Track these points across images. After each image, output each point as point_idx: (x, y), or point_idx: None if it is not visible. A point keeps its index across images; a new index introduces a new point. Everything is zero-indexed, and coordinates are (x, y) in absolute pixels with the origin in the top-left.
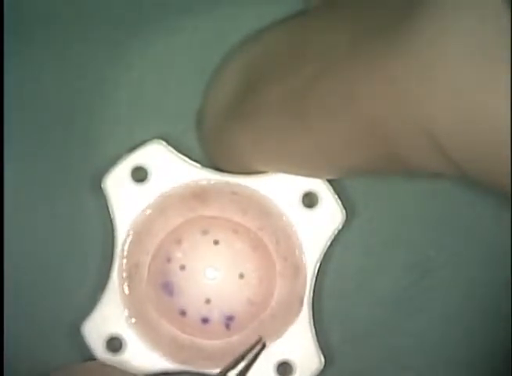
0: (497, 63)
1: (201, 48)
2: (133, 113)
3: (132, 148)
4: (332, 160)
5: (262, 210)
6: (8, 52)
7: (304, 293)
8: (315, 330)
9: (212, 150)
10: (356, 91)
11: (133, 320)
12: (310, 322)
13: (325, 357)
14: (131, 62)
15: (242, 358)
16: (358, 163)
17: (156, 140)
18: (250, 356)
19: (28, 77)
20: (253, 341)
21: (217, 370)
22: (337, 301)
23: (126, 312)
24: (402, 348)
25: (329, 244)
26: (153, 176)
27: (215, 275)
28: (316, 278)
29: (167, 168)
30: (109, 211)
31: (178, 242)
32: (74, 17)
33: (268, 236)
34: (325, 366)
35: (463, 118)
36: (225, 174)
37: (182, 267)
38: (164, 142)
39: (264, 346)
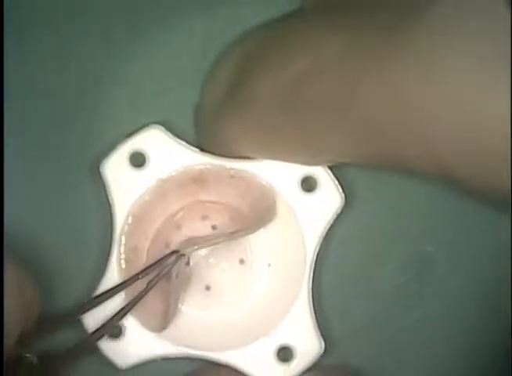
0: (498, 68)
1: (200, 46)
2: (132, 106)
3: (131, 134)
4: (327, 154)
5: (261, 194)
6: (8, 50)
7: (303, 277)
8: (315, 315)
9: (209, 142)
10: (355, 90)
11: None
12: (310, 307)
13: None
14: (130, 56)
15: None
16: (355, 158)
17: (154, 125)
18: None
19: (28, 64)
20: (252, 322)
21: (215, 353)
22: (336, 296)
23: (125, 297)
24: (400, 342)
25: (328, 227)
26: (151, 161)
27: (215, 261)
28: (315, 263)
29: (166, 152)
30: (107, 197)
31: (178, 227)
32: (74, 15)
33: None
34: (325, 350)
35: (461, 122)
36: (224, 158)
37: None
38: (162, 127)
39: (181, 255)
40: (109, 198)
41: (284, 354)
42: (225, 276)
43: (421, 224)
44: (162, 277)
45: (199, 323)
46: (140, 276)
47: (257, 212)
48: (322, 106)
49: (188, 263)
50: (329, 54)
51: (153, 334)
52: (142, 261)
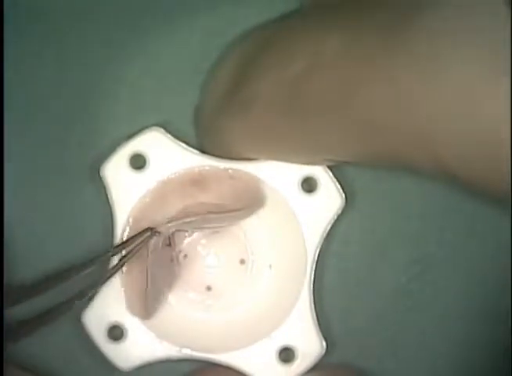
0: (498, 69)
1: (200, 46)
2: (132, 106)
3: (131, 135)
4: (327, 153)
5: (261, 195)
6: (7, 50)
7: (304, 277)
8: (317, 316)
9: (209, 142)
10: (355, 90)
11: None
12: (311, 307)
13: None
14: (130, 56)
15: (128, 242)
16: (355, 157)
17: (154, 127)
18: (138, 241)
19: (28, 64)
20: (253, 323)
21: (217, 354)
22: (337, 296)
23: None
24: (401, 342)
25: (329, 228)
26: (151, 163)
27: (216, 262)
28: (316, 263)
29: (166, 154)
30: (108, 199)
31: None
32: (74, 15)
33: (266, 221)
34: (326, 351)
35: (462, 122)
36: (224, 160)
37: (185, 256)
38: (161, 129)
39: (154, 233)
40: (110, 200)
41: (286, 355)
42: (225, 276)
43: (421, 224)
44: (136, 253)
45: (200, 324)
46: (114, 252)
47: (241, 198)
48: (322, 106)
49: (169, 244)
50: (329, 54)
51: (155, 336)
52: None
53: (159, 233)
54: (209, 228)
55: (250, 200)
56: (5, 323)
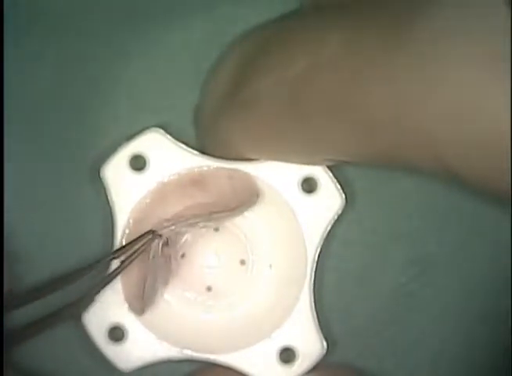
0: (498, 66)
1: (200, 46)
2: (132, 106)
3: (130, 136)
4: (328, 153)
5: (260, 196)
6: (7, 50)
7: (304, 278)
8: (317, 316)
9: (209, 143)
10: (355, 91)
11: None
12: (311, 307)
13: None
14: (130, 56)
15: (129, 245)
16: (355, 157)
17: (153, 128)
18: (140, 244)
19: (28, 64)
20: (254, 323)
21: (217, 355)
22: (337, 297)
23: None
24: (401, 342)
25: (329, 228)
26: (151, 164)
27: (216, 263)
28: (317, 263)
29: (166, 155)
30: (108, 200)
31: None
32: (74, 15)
33: (266, 221)
34: (327, 351)
35: (463, 122)
36: (224, 160)
37: (183, 255)
38: (161, 130)
39: (155, 236)
40: (110, 201)
41: (286, 355)
42: (226, 277)
43: (422, 224)
44: (137, 256)
45: (200, 325)
46: (116, 256)
47: (239, 197)
48: (323, 106)
49: (167, 244)
50: (329, 54)
51: (156, 337)
52: None
53: (160, 235)
54: (207, 226)
55: (247, 197)
56: (9, 326)
